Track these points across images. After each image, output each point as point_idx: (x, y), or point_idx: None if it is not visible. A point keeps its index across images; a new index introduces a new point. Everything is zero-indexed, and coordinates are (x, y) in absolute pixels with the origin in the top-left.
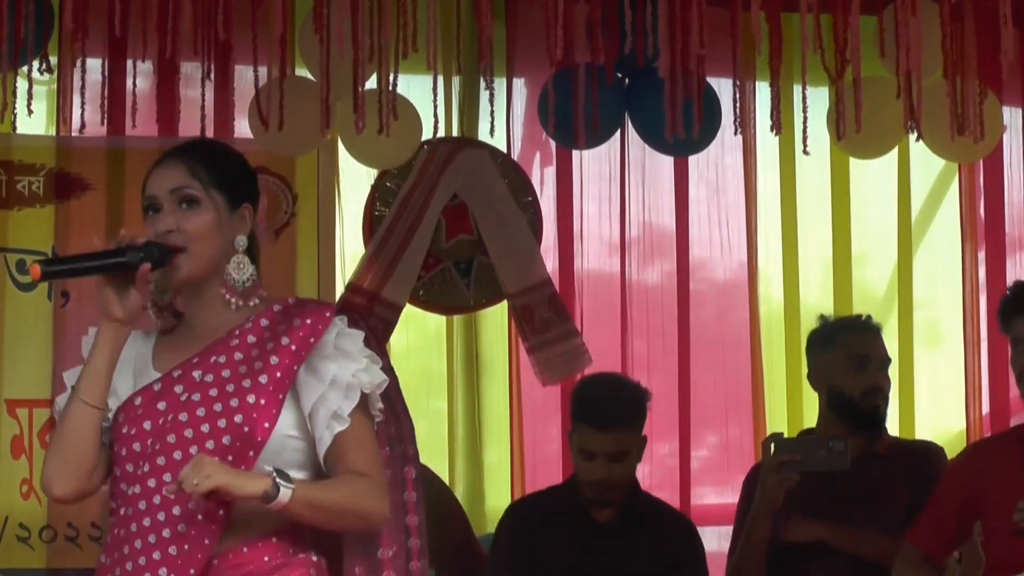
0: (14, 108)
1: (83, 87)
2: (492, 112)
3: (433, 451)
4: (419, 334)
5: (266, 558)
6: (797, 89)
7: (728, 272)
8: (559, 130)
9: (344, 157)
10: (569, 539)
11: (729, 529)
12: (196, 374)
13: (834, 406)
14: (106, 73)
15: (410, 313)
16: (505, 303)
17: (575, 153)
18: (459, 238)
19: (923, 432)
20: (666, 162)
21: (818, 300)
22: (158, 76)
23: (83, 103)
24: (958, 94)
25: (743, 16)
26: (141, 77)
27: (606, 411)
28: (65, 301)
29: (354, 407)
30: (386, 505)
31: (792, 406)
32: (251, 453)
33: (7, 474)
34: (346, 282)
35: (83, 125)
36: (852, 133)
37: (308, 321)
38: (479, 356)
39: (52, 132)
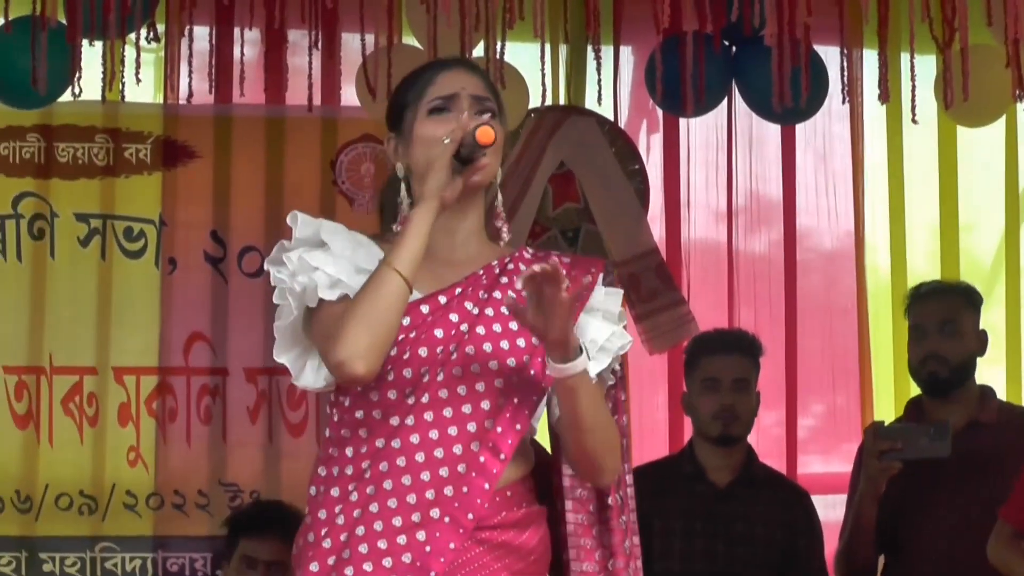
0: (122, 76)
1: (191, 55)
2: (599, 80)
3: (542, 420)
4: None
5: (523, 506)
6: (904, 57)
7: (835, 241)
8: (666, 98)
9: None
10: (687, 503)
11: (834, 498)
12: (468, 305)
13: (911, 376)
14: (213, 41)
15: None
16: None
17: (682, 121)
18: (566, 206)
19: None
20: (773, 130)
21: (925, 269)
22: (265, 44)
23: (191, 71)
24: None
25: None
26: (248, 45)
27: (727, 337)
28: (172, 268)
29: (600, 372)
30: (620, 465)
31: (899, 375)
32: (535, 398)
33: (114, 441)
34: None
35: (190, 93)
36: (960, 102)
37: (575, 273)
38: None
39: (160, 100)
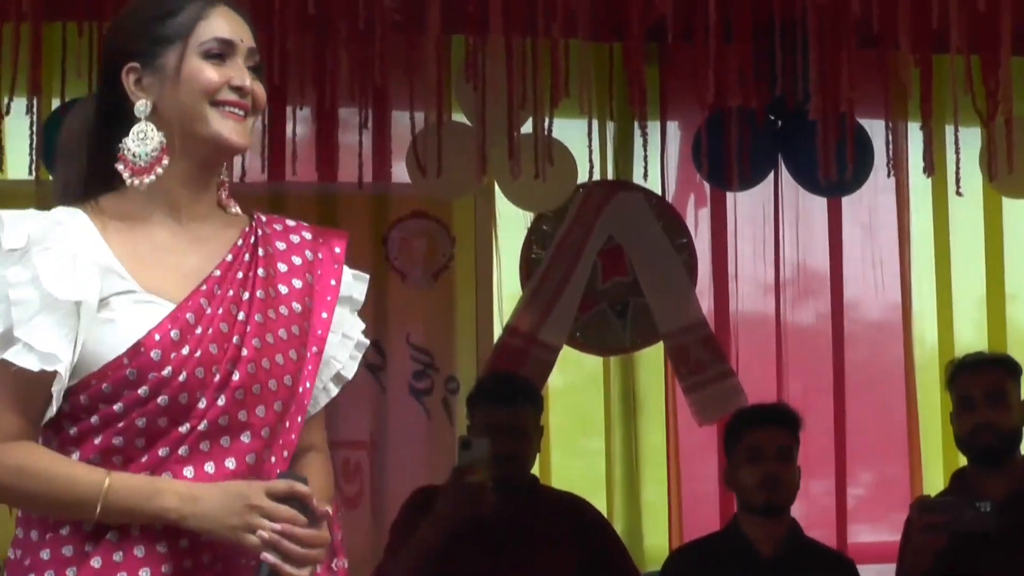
0: None
1: None
2: (646, 155)
3: (591, 490)
4: (576, 375)
5: None
6: (949, 130)
7: (882, 312)
8: (713, 173)
9: (501, 200)
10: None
11: (885, 567)
12: (234, 309)
13: (958, 447)
14: (266, 121)
15: (566, 354)
16: (661, 344)
17: (729, 195)
18: (615, 280)
19: None
20: (819, 203)
21: (972, 339)
22: (317, 123)
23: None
24: None
25: (893, 58)
26: (300, 124)
27: (769, 409)
28: None
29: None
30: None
31: (947, 444)
32: (299, 419)
33: None
34: (504, 324)
35: (244, 172)
36: (1004, 173)
37: (321, 255)
38: (636, 396)
39: None
